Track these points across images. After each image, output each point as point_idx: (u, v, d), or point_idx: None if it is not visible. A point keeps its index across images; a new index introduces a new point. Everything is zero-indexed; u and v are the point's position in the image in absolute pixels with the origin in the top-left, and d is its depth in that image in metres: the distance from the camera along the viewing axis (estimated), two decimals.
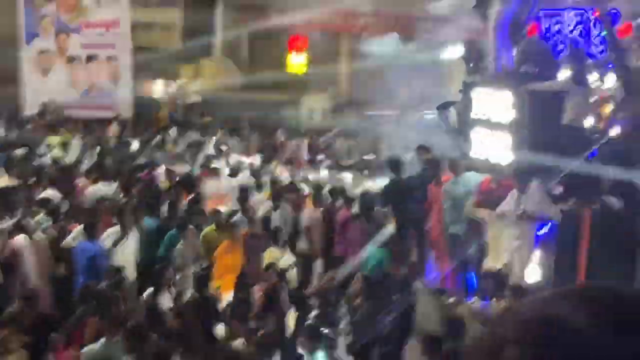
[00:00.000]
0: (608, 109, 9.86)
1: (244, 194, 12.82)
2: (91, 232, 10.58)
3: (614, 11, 10.32)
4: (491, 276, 9.12)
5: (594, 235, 8.90)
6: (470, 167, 10.88)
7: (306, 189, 13.69)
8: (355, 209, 12.21)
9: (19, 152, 15.91)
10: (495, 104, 10.59)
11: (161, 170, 14.97)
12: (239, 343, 8.15)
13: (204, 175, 14.59)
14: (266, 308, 9.01)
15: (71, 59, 19.79)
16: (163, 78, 22.66)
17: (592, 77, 10.13)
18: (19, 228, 10.53)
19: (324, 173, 15.64)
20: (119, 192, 13.17)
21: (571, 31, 10.19)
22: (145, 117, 20.16)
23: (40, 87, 19.46)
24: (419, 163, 11.86)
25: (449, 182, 10.86)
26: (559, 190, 9.54)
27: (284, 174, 15.10)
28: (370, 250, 10.83)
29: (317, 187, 13.36)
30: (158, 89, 22.75)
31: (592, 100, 10.04)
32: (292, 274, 10.74)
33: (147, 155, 16.57)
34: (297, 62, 21.91)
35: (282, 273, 10.11)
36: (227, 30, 22.94)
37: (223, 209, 12.22)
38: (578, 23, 10.13)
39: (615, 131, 9.56)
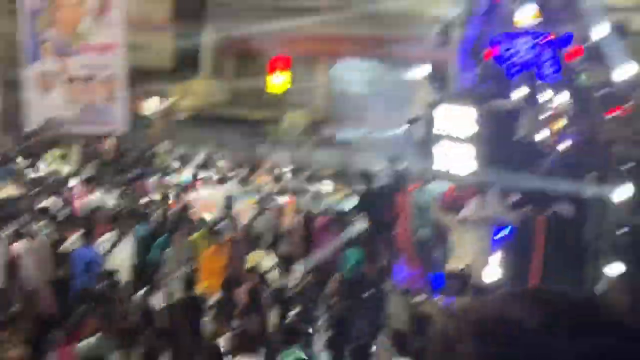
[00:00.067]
0: (559, 124, 9.93)
1: (228, 202, 12.87)
2: (88, 239, 10.54)
3: (567, 35, 10.41)
4: (455, 276, 9.16)
5: (547, 240, 8.97)
6: (434, 178, 10.96)
7: (287, 197, 13.74)
8: (332, 215, 12.24)
9: (23, 164, 15.84)
10: (459, 119, 10.64)
11: (153, 180, 14.97)
12: (224, 340, 8.11)
13: (192, 185, 14.60)
14: (249, 307, 8.98)
15: (71, 79, 19.68)
16: (155, 96, 22.63)
17: (545, 96, 10.21)
18: (21, 234, 10.48)
19: (304, 182, 15.67)
20: (115, 201, 13.12)
21: (523, 55, 10.28)
22: (139, 132, 20.16)
23: (42, 105, 19.34)
24: (388, 174, 11.94)
25: (415, 191, 10.92)
26: (515, 197, 9.61)
27: (267, 184, 15.13)
28: (348, 252, 10.85)
29: (298, 195, 13.38)
30: (151, 106, 22.71)
31: (543, 117, 10.12)
32: (274, 275, 10.73)
33: (141, 167, 16.56)
34: (277, 82, 21.90)
35: (264, 274, 10.13)
36: (214, 52, 22.98)
37: (209, 216, 12.25)
38: (531, 47, 10.22)
39: (565, 145, 9.63)
